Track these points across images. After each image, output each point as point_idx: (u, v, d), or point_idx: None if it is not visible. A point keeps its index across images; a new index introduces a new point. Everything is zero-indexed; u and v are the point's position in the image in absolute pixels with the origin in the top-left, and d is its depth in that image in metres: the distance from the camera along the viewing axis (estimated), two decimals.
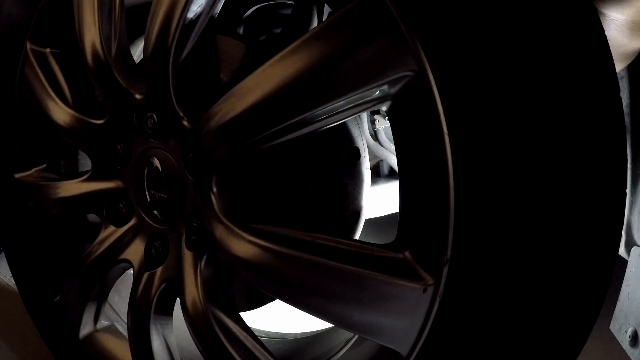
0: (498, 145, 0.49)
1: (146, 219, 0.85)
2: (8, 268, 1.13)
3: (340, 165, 0.83)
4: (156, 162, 0.80)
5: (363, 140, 0.87)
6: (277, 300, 0.72)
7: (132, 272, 0.87)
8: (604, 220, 0.51)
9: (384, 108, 0.58)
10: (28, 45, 0.96)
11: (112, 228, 0.89)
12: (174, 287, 0.80)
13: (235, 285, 0.84)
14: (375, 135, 1.36)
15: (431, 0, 0.51)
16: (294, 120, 0.61)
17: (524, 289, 0.52)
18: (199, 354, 0.78)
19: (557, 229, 0.50)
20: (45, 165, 1.05)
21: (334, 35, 0.56)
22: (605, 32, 0.50)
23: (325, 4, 0.98)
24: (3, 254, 1.16)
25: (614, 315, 0.65)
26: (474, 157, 0.50)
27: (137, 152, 0.82)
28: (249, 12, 1.19)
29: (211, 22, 0.72)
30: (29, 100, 0.96)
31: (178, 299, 0.80)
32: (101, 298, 0.98)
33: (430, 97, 0.51)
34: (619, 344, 0.64)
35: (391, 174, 1.49)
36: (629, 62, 0.59)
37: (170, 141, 0.77)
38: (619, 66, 0.60)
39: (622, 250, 0.65)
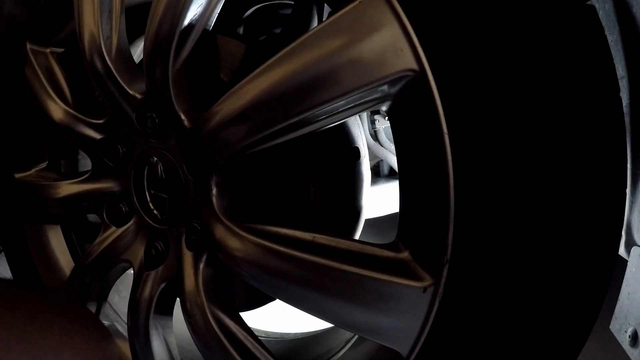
0: (498, 145, 0.49)
1: (146, 219, 0.85)
2: (8, 268, 1.13)
3: (340, 165, 0.83)
4: (156, 162, 0.80)
5: (363, 140, 0.87)
6: (277, 300, 0.72)
7: (132, 272, 0.87)
8: (604, 221, 0.51)
9: (384, 108, 0.58)
10: (28, 45, 0.96)
11: (112, 228, 0.89)
12: (174, 287, 0.80)
13: (235, 285, 0.84)
14: (375, 135, 1.36)
15: (431, 1, 0.51)
16: (293, 120, 0.61)
17: (524, 289, 0.52)
18: (199, 354, 0.78)
19: (557, 229, 0.50)
20: (45, 165, 1.05)
21: (335, 36, 0.56)
22: None
23: (325, 4, 0.98)
24: (3, 254, 1.16)
25: (614, 315, 0.65)
26: (473, 157, 0.50)
27: (137, 152, 0.82)
28: (249, 12, 1.19)
29: (211, 22, 0.72)
30: (29, 100, 0.96)
31: (178, 299, 0.80)
32: (101, 298, 0.98)
33: (429, 97, 0.51)
34: (619, 344, 0.64)
35: (391, 174, 1.49)
36: None
37: (170, 141, 0.77)
38: None
39: (622, 250, 0.65)
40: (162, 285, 0.82)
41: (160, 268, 0.82)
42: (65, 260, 1.08)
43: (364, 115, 1.34)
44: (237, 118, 0.66)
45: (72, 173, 1.11)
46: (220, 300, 0.76)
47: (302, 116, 0.60)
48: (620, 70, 0.60)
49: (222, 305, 0.76)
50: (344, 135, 0.84)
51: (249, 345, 0.74)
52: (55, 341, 0.70)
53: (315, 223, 0.79)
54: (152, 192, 0.83)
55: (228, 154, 0.69)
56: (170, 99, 0.73)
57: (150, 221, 0.84)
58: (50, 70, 0.96)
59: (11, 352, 0.65)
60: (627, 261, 0.63)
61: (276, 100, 0.61)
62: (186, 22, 0.69)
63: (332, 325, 0.85)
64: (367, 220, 0.90)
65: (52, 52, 0.98)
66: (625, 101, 0.60)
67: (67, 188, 0.94)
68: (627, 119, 0.60)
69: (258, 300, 0.89)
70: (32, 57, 0.96)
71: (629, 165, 0.60)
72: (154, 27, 0.71)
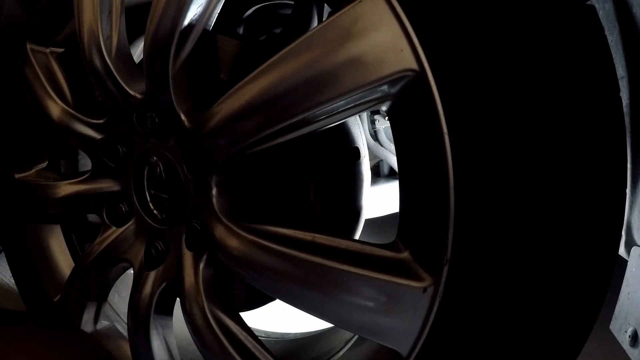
0: (498, 145, 0.49)
1: (146, 218, 0.85)
2: (8, 268, 1.13)
3: (340, 165, 0.83)
4: (156, 162, 0.80)
5: (363, 140, 0.87)
6: (277, 300, 0.72)
7: (132, 272, 0.87)
8: (604, 221, 0.51)
9: (384, 108, 0.58)
10: (28, 45, 0.96)
11: (112, 228, 0.89)
12: (174, 287, 0.80)
13: (235, 285, 0.84)
14: (375, 135, 1.36)
15: (431, 1, 0.51)
16: (293, 120, 0.61)
17: (524, 289, 0.52)
18: (199, 354, 0.78)
19: (557, 229, 0.50)
20: (45, 165, 1.05)
21: (334, 36, 0.56)
22: None
23: (325, 4, 0.98)
24: (3, 254, 1.16)
25: (614, 315, 0.65)
26: (473, 157, 0.50)
27: (137, 152, 0.82)
28: (249, 12, 1.19)
29: (211, 22, 0.72)
30: (29, 100, 0.96)
31: (178, 299, 0.80)
32: (101, 298, 0.98)
33: (429, 97, 0.51)
34: (619, 344, 0.63)
35: (391, 174, 1.49)
36: None
37: (170, 141, 0.77)
38: None
39: (622, 250, 0.65)
40: (162, 285, 0.82)
41: (160, 268, 0.82)
42: (65, 260, 1.07)
43: (364, 115, 1.34)
44: (237, 118, 0.66)
45: (72, 173, 1.11)
46: (220, 300, 0.76)
47: (302, 116, 0.60)
48: (620, 70, 0.60)
49: (222, 305, 0.76)
50: (344, 135, 0.84)
51: (249, 345, 0.73)
52: None
53: (315, 223, 0.79)
54: (152, 192, 0.83)
55: (228, 154, 0.69)
56: (170, 99, 0.73)
57: (150, 221, 0.84)
58: (50, 70, 0.96)
59: None
60: (627, 261, 0.63)
61: (276, 100, 0.61)
62: (186, 22, 0.69)
63: (332, 325, 0.85)
64: (367, 220, 0.90)
65: (52, 52, 0.98)
66: (625, 101, 0.60)
67: (67, 188, 0.94)
68: (627, 119, 0.60)
69: (258, 300, 0.89)
70: (32, 57, 0.96)
71: (629, 165, 0.60)
72: (154, 27, 0.71)
